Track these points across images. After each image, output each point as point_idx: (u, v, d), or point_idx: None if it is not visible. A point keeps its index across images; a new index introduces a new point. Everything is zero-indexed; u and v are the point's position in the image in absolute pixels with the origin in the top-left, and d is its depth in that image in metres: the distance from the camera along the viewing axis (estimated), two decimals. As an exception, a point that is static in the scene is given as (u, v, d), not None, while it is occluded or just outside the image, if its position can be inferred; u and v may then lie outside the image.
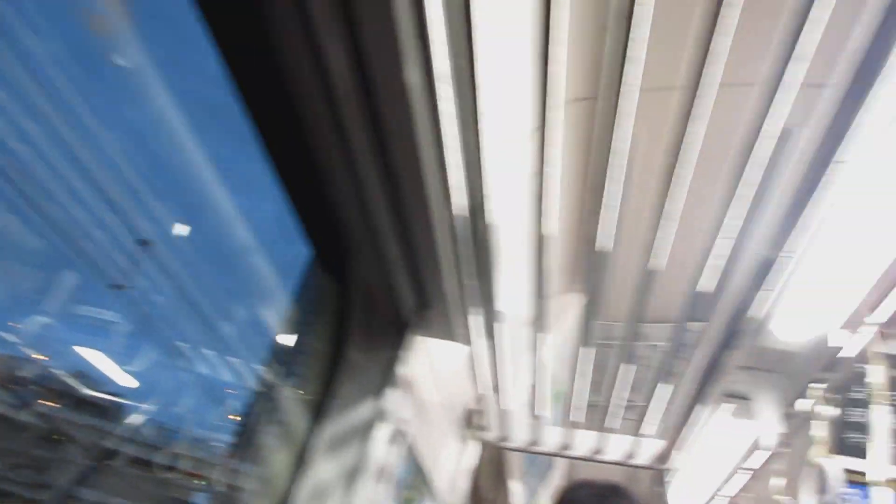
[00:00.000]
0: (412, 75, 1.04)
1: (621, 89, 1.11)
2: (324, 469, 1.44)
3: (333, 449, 1.47)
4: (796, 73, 1.07)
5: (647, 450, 2.33)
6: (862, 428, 2.36)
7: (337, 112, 1.16)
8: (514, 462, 3.66)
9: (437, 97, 1.08)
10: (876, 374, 2.12)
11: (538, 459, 4.42)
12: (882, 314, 2.15)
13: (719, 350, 1.83)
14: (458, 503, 2.60)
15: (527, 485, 4.33)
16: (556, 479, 4.88)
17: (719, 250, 1.59)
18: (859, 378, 2.39)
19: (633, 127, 1.31)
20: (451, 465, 2.55)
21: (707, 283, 1.71)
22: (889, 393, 2.38)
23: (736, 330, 1.81)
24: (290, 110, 1.22)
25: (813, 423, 2.33)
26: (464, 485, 2.62)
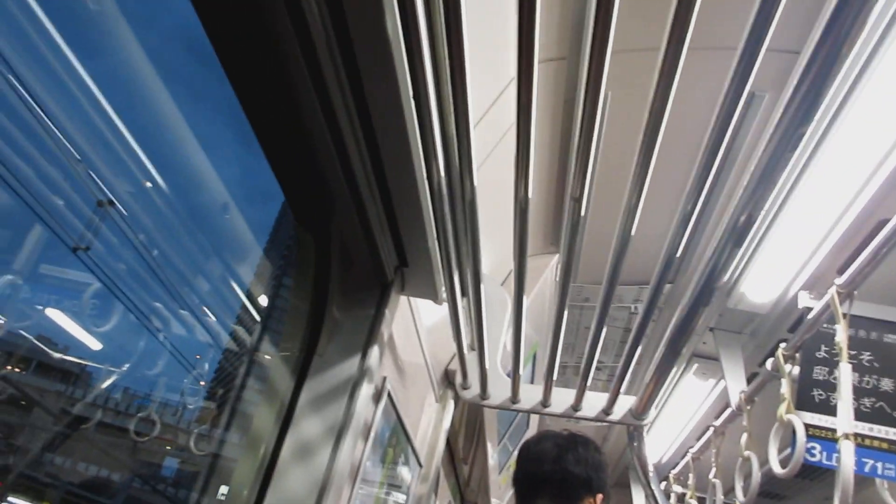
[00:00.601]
0: (391, 27, 1.02)
1: (593, 51, 1.10)
2: (308, 428, 1.45)
3: (317, 407, 1.48)
4: (768, 37, 1.07)
5: (621, 406, 2.39)
6: (827, 386, 2.44)
7: (316, 64, 1.15)
8: (490, 421, 3.73)
9: (420, 52, 1.07)
10: (840, 334, 2.18)
11: (515, 420, 4.50)
12: (847, 276, 2.21)
13: (689, 311, 1.87)
14: (436, 461, 2.64)
15: (503, 444, 4.42)
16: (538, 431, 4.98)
17: (688, 213, 1.61)
18: (825, 338, 2.46)
19: (605, 88, 1.31)
20: (430, 423, 2.59)
21: (677, 244, 1.74)
22: (851, 352, 2.46)
23: (705, 291, 1.84)
24: (269, 62, 1.20)
25: (782, 381, 2.40)
26: (442, 443, 2.66)
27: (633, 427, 2.82)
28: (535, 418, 4.93)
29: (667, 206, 1.73)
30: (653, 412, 2.44)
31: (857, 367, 2.36)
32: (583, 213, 1.52)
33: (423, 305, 2.01)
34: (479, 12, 1.23)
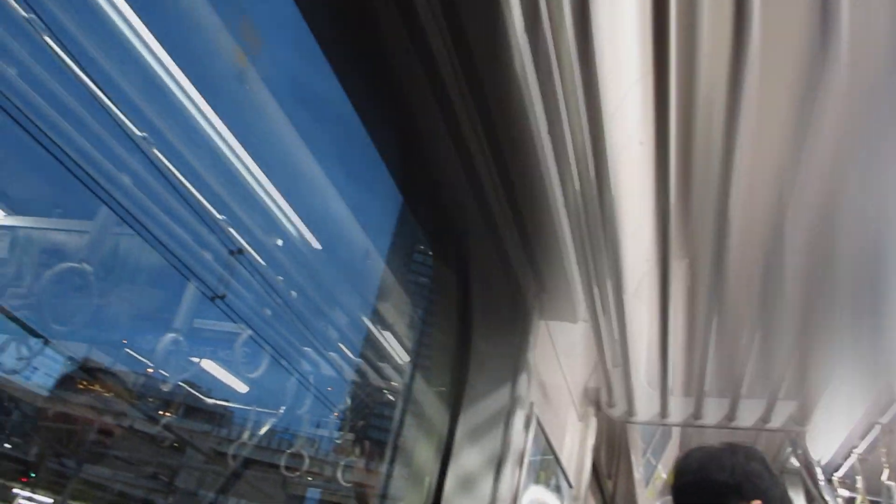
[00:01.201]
0: (517, 48, 1.02)
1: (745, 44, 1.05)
2: (468, 459, 1.46)
3: (474, 439, 1.49)
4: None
5: (780, 413, 2.24)
6: None
7: (447, 98, 1.16)
8: (633, 436, 3.61)
9: (548, 67, 1.07)
10: None
11: (657, 433, 4.34)
12: None
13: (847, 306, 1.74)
14: (584, 480, 2.59)
15: (647, 457, 4.27)
16: (676, 450, 4.79)
17: (848, 206, 1.51)
18: None
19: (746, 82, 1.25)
20: (575, 442, 2.54)
21: (830, 243, 1.63)
22: None
23: (865, 285, 1.71)
24: (399, 100, 1.23)
25: None
26: (588, 461, 2.61)
27: (795, 433, 2.64)
28: (677, 429, 4.74)
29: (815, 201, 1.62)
30: (817, 416, 2.29)
31: None
32: (728, 220, 1.45)
33: (563, 325, 1.99)
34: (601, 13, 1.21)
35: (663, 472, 4.77)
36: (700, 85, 1.22)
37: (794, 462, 3.89)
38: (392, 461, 1.67)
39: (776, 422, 2.25)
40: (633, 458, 3.77)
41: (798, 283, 1.82)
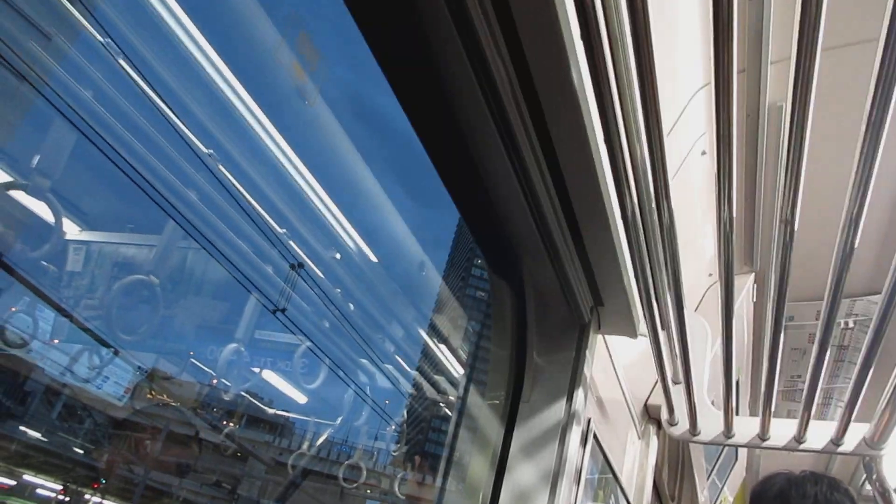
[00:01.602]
0: (571, 52, 1.01)
1: (811, 50, 1.02)
2: (523, 475, 1.44)
3: (529, 454, 1.47)
4: None
5: (853, 436, 2.14)
6: None
7: (500, 108, 1.16)
8: (697, 456, 3.50)
9: (605, 74, 1.05)
10: None
11: (723, 453, 4.20)
12: None
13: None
14: (645, 500, 2.52)
15: (711, 479, 4.13)
16: (741, 472, 4.61)
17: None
18: None
19: (814, 89, 1.20)
20: (635, 461, 2.48)
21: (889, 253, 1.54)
22: None
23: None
24: (455, 118, 1.23)
25: None
26: (649, 481, 2.54)
27: (869, 458, 2.50)
28: (743, 451, 4.56)
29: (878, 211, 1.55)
30: (893, 440, 2.16)
31: None
32: (795, 233, 1.40)
33: (621, 340, 1.95)
34: (659, 19, 1.19)
35: (730, 495, 4.60)
36: (765, 91, 1.18)
37: (869, 488, 3.70)
38: (446, 475, 1.66)
39: (848, 445, 2.14)
40: (696, 479, 3.65)
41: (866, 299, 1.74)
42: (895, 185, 1.47)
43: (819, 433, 2.17)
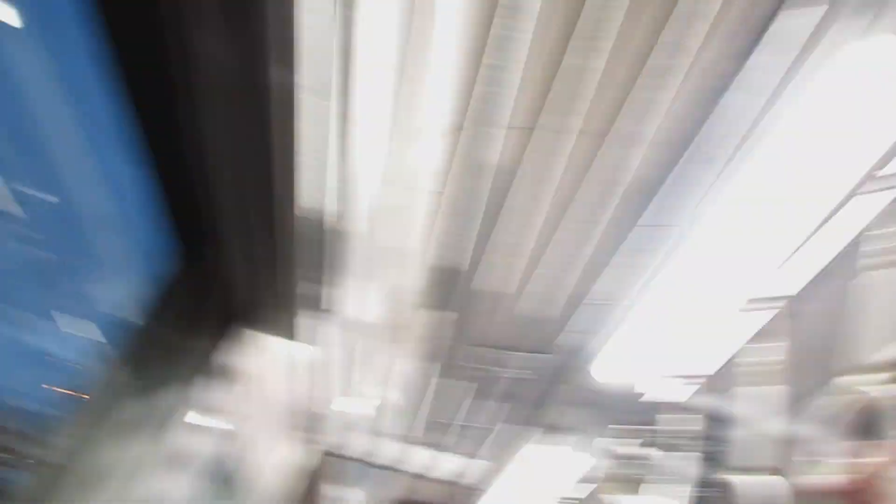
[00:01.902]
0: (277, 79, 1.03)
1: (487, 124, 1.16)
2: (108, 452, 1.36)
3: (133, 427, 1.39)
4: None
5: (475, 470, 2.41)
6: (663, 471, 2.46)
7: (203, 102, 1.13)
8: (333, 468, 3.65)
9: (299, 105, 1.08)
10: (688, 423, 2.26)
11: (372, 470, 4.41)
12: (703, 368, 2.29)
13: (551, 383, 1.92)
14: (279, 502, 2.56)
15: (350, 492, 4.31)
16: (393, 491, 4.90)
17: (567, 289, 1.67)
18: (670, 423, 2.50)
19: (499, 160, 1.37)
20: (276, 465, 2.52)
21: (544, 315, 1.79)
22: (694, 442, 2.52)
23: (569, 366, 1.90)
24: (158, 106, 1.17)
25: (610, 461, 2.48)
26: (288, 486, 2.59)
27: (479, 491, 2.84)
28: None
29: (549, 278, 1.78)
30: (505, 479, 2.49)
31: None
32: (462, 272, 1.55)
33: (283, 346, 1.97)
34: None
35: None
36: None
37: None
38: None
39: (469, 478, 2.41)
40: (325, 489, 3.79)
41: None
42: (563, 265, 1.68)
43: (448, 465, 2.42)
